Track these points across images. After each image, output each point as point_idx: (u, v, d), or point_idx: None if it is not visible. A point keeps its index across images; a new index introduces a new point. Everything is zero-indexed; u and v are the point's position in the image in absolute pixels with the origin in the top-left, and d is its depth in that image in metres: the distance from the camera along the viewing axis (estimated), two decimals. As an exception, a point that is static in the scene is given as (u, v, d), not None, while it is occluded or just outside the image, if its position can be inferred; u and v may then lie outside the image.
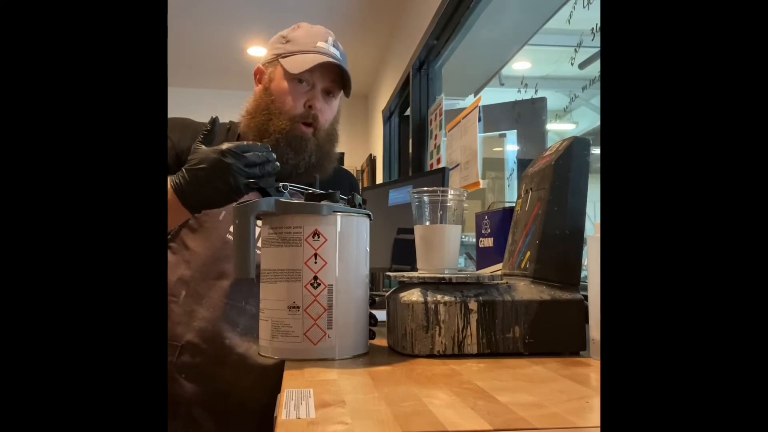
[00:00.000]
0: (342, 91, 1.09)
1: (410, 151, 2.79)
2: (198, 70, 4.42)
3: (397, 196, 1.48)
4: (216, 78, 4.56)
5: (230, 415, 0.98)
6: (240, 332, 0.97)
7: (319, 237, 0.69)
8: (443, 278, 0.73)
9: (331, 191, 0.72)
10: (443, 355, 0.71)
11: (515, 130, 2.10)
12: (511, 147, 2.16)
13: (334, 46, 1.05)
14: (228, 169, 0.79)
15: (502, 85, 2.21)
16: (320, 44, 1.04)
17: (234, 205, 0.69)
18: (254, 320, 0.97)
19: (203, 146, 0.84)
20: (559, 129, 2.18)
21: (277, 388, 0.94)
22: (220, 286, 0.98)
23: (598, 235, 0.68)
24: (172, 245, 1.00)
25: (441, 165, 2.35)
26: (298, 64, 1.01)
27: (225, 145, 0.81)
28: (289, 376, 0.61)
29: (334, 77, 1.05)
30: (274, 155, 0.83)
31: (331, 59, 1.02)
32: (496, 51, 2.30)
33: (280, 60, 1.04)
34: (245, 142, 0.83)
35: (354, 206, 0.74)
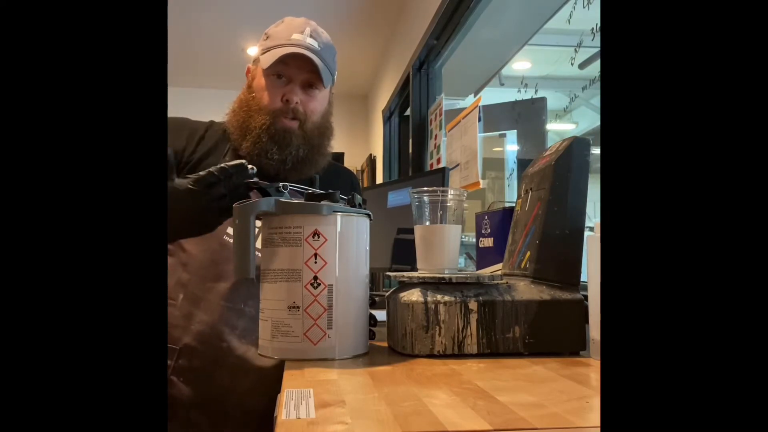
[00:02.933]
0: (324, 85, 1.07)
1: (410, 151, 2.79)
2: (198, 70, 4.42)
3: (395, 197, 1.47)
4: (216, 78, 4.56)
5: (228, 418, 0.98)
6: (238, 335, 0.97)
7: (319, 237, 0.69)
8: (443, 278, 0.73)
9: (331, 191, 0.72)
10: (443, 355, 0.71)
11: (515, 130, 2.10)
12: (511, 147, 2.16)
13: (311, 36, 1.02)
14: (200, 208, 0.81)
15: (502, 85, 2.21)
16: (295, 36, 1.01)
17: (234, 205, 0.69)
18: (253, 323, 0.97)
19: (175, 182, 0.82)
20: (559, 129, 2.19)
21: (275, 391, 0.94)
22: (218, 289, 0.97)
23: (598, 235, 0.68)
24: (170, 248, 1.00)
25: (441, 165, 2.35)
26: (270, 58, 1.00)
27: (187, 184, 0.80)
28: (289, 376, 0.61)
29: (311, 68, 1.01)
30: (242, 162, 0.82)
31: (301, 50, 0.99)
32: (496, 51, 2.30)
33: (260, 57, 1.04)
34: (203, 173, 0.81)
35: (354, 206, 0.74)
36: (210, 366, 0.96)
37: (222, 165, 0.81)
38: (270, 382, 0.95)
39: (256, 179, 0.82)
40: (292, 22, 1.05)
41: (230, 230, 0.98)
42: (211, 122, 1.11)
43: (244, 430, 0.98)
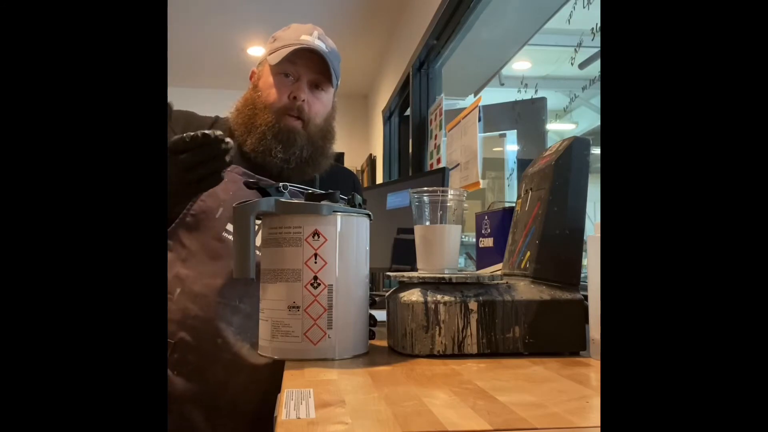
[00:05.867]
0: (332, 86, 1.09)
1: (410, 151, 2.79)
2: (198, 70, 4.42)
3: (395, 199, 1.47)
4: (216, 78, 4.56)
5: (221, 414, 0.98)
6: (234, 331, 0.97)
7: (319, 237, 0.69)
8: (443, 278, 0.73)
9: (331, 191, 0.72)
10: (443, 355, 0.71)
11: (515, 130, 2.10)
12: (511, 147, 2.16)
13: (319, 39, 1.05)
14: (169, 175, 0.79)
15: (502, 85, 2.22)
16: (304, 37, 1.04)
17: (234, 205, 0.69)
18: (248, 320, 0.98)
19: None
20: (559, 129, 2.19)
21: (268, 389, 0.94)
22: (214, 285, 0.98)
23: (598, 235, 0.68)
24: (169, 242, 1.00)
25: (441, 165, 2.35)
26: (279, 56, 1.02)
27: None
28: (289, 376, 0.61)
29: (320, 68, 1.04)
30: (215, 134, 0.78)
31: (310, 47, 1.02)
32: (496, 51, 2.30)
33: (267, 57, 1.06)
34: (185, 135, 0.78)
35: (354, 206, 0.74)
36: (204, 361, 0.96)
37: (193, 133, 0.78)
38: (263, 379, 0.95)
39: (256, 179, 0.82)
40: (299, 26, 1.08)
41: (229, 227, 0.99)
42: (217, 117, 1.13)
43: (236, 426, 0.98)
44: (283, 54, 1.01)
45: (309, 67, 1.04)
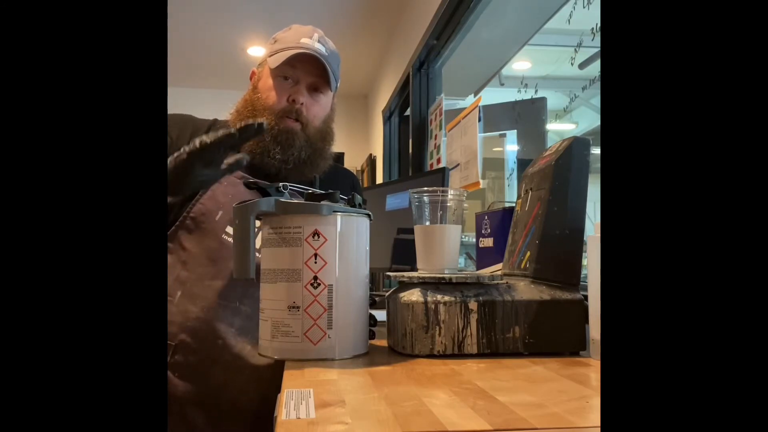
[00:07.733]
0: (330, 89, 1.09)
1: (410, 151, 2.79)
2: (198, 70, 4.42)
3: (393, 201, 1.47)
4: (216, 78, 4.56)
5: (222, 415, 0.98)
6: (234, 333, 0.97)
7: (319, 237, 0.69)
8: (443, 278, 0.73)
9: (331, 191, 0.73)
10: (443, 355, 0.71)
11: (515, 130, 2.10)
12: (511, 147, 2.16)
13: (319, 42, 1.06)
14: (189, 171, 0.79)
15: (502, 85, 2.22)
16: (304, 40, 1.04)
17: (234, 205, 0.69)
18: (249, 321, 0.98)
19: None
20: (559, 129, 2.19)
21: (269, 390, 0.94)
22: (215, 287, 0.98)
23: (598, 235, 0.68)
24: (169, 245, 1.00)
25: (441, 165, 2.35)
26: (279, 59, 1.03)
27: (186, 148, 0.78)
28: (289, 376, 0.61)
29: (318, 72, 1.05)
30: (228, 131, 0.77)
31: (310, 52, 1.02)
32: (496, 51, 2.31)
33: (267, 59, 1.06)
34: (204, 137, 0.77)
35: (354, 206, 0.74)
36: (205, 363, 0.96)
37: (242, 125, 0.77)
38: (264, 380, 0.95)
39: (255, 179, 0.82)
40: (300, 28, 1.08)
41: (229, 229, 0.99)
42: (215, 120, 1.13)
43: (238, 427, 0.99)
44: (283, 58, 1.02)
45: (308, 70, 1.05)
